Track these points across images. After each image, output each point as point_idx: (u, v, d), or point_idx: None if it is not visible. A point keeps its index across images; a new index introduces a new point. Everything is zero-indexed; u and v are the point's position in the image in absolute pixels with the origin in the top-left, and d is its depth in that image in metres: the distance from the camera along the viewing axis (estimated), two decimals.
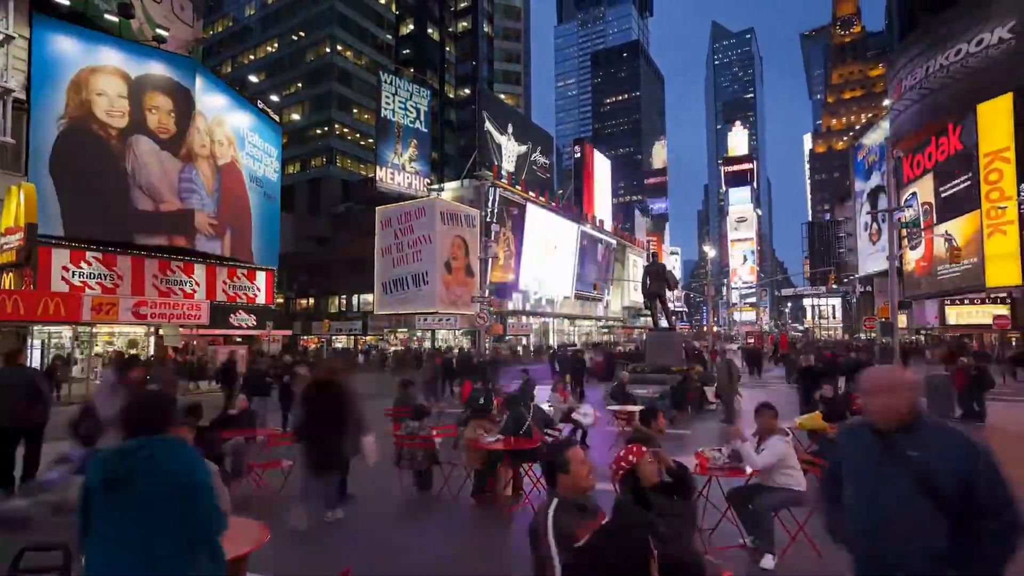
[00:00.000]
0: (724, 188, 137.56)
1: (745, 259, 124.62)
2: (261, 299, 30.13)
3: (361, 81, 59.39)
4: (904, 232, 40.51)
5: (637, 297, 53.61)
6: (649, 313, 17.74)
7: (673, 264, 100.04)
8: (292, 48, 60.67)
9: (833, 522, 2.29)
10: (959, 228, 36.82)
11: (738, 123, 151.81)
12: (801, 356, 15.86)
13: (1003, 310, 33.39)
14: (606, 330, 63.67)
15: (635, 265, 67.80)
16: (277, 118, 33.67)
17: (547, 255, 47.48)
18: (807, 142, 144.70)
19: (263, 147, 30.94)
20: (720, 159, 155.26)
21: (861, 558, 2.14)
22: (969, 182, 35.57)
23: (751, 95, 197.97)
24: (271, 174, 31.81)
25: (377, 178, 40.99)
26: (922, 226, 40.82)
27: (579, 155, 66.32)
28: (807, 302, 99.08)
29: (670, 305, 18.08)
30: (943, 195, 38.88)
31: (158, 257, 24.42)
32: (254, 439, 7.12)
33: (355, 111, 60.10)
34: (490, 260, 33.15)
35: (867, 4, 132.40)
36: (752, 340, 44.63)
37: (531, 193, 46.89)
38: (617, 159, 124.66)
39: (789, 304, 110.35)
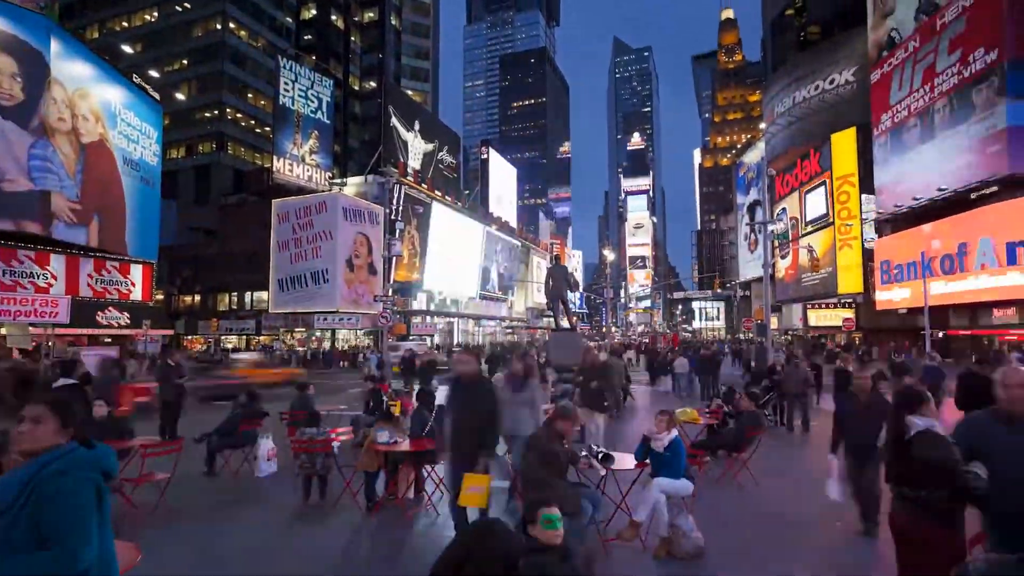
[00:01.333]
0: (623, 196, 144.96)
1: (642, 263, 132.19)
2: (137, 295, 27.30)
3: (256, 64, 55.57)
4: (776, 243, 45.13)
5: (540, 298, 54.94)
6: (552, 314, 18.30)
7: (575, 267, 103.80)
8: (175, 20, 55.30)
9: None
10: (818, 241, 41.71)
11: (636, 134, 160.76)
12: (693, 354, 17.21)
13: (849, 313, 38.30)
14: (510, 330, 64.71)
15: (539, 267, 69.54)
16: (157, 96, 30.61)
17: (452, 255, 47.35)
18: (697, 157, 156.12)
19: (140, 127, 28.01)
20: (620, 168, 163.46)
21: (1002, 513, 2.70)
22: (827, 202, 40.39)
23: (648, 109, 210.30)
24: (150, 157, 28.89)
25: (274, 169, 38.63)
26: (790, 238, 45.72)
27: (485, 156, 66.87)
28: (696, 305, 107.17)
29: (571, 306, 18.79)
30: (807, 211, 43.82)
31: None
32: (127, 451, 6.47)
33: (250, 96, 56.12)
34: (394, 259, 32.46)
35: (747, 35, 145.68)
36: (648, 340, 47.40)
37: (437, 192, 46.54)
38: (523, 162, 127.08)
39: (680, 306, 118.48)
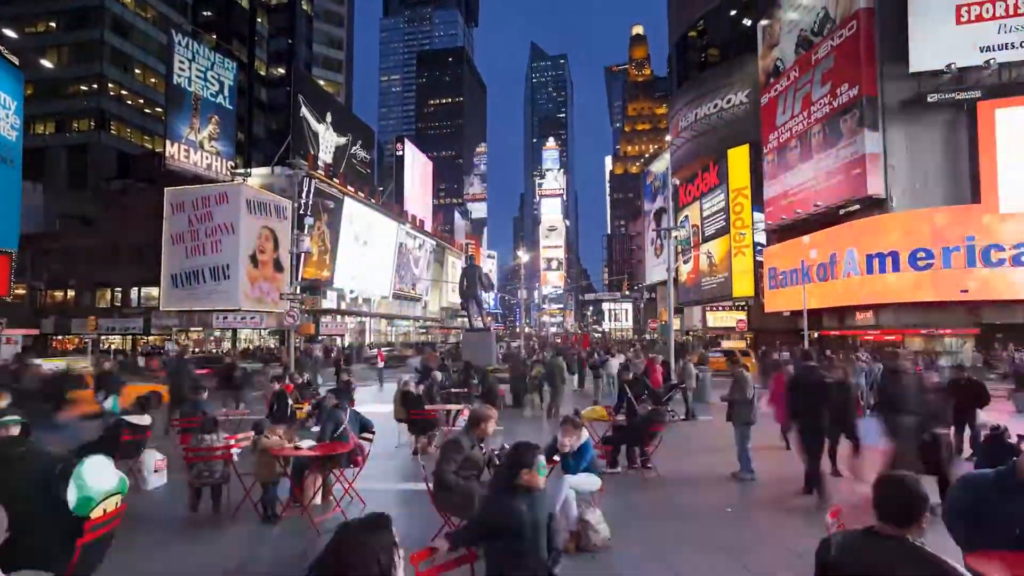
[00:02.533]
0: (538, 198, 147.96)
1: (555, 266, 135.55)
2: None
3: (145, 36, 50.56)
4: (679, 249, 48.08)
5: (455, 298, 54.75)
6: (466, 314, 18.34)
7: (490, 267, 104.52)
8: None
9: None
10: (716, 248, 44.96)
11: (552, 139, 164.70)
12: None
13: (742, 315, 41.67)
14: (424, 330, 63.95)
15: (453, 266, 69.29)
16: (16, 60, 26.85)
17: (365, 253, 46.01)
18: (608, 164, 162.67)
19: None
20: (536, 171, 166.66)
21: None
22: (723, 212, 43.65)
23: (563, 115, 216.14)
24: (7, 131, 25.38)
25: (167, 154, 35.47)
26: (692, 245, 48.91)
27: (401, 153, 65.62)
28: (606, 306, 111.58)
29: (486, 306, 18.93)
30: (706, 220, 47.09)
31: None
32: None
33: (137, 71, 51.00)
34: (303, 255, 30.97)
35: (656, 51, 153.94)
36: (560, 340, 48.83)
37: (350, 187, 44.98)
38: (439, 161, 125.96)
39: (591, 307, 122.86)
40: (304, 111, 44.17)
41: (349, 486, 6.35)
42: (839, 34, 29.82)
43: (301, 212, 36.10)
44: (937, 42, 26.42)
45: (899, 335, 28.65)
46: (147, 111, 50.94)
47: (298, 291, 26.00)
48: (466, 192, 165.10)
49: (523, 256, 74.67)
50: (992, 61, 25.68)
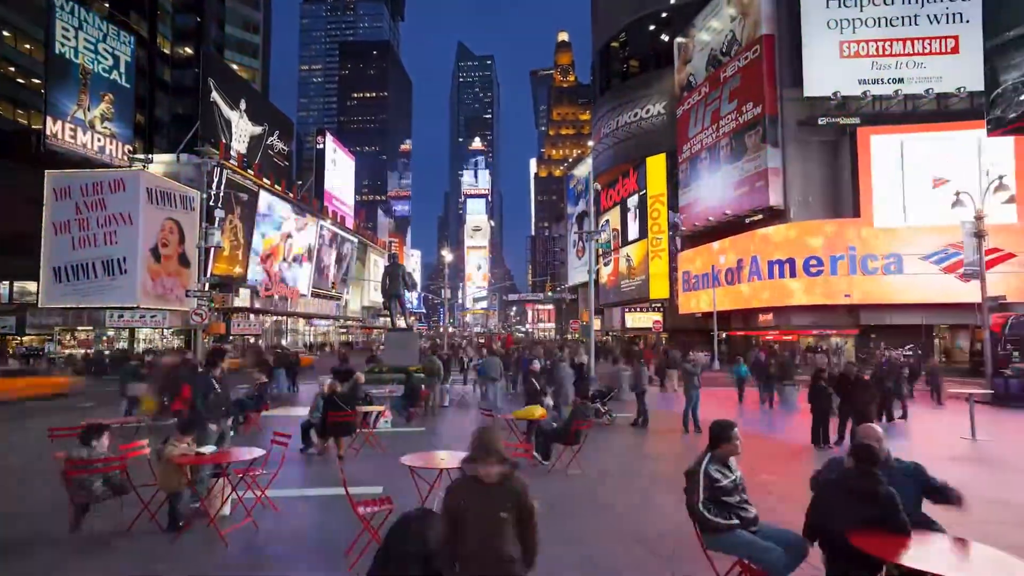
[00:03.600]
0: (463, 198, 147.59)
1: (479, 266, 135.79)
2: None
3: None
4: (600, 251, 49.72)
5: (377, 297, 53.46)
6: (388, 313, 17.96)
7: (413, 266, 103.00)
8: None
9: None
10: (635, 252, 46.94)
11: (477, 139, 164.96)
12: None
13: (659, 316, 43.77)
14: (344, 330, 61.92)
15: (376, 265, 67.64)
16: None
17: (282, 249, 43.86)
18: (533, 166, 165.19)
19: None
20: (461, 170, 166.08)
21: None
22: (642, 217, 45.66)
23: (489, 115, 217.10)
24: None
25: (48, 132, 31.96)
26: (612, 248, 50.72)
27: (322, 146, 63.16)
28: (529, 307, 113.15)
29: (409, 306, 18.65)
30: (625, 224, 49.01)
31: None
32: None
33: (6, 34, 45.25)
34: (212, 250, 29.05)
35: (581, 58, 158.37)
36: (483, 340, 48.80)
37: (266, 180, 42.68)
38: (363, 157, 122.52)
39: (514, 308, 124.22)
40: (215, 96, 41.36)
41: (262, 494, 6.04)
42: (744, 56, 32.12)
43: (211, 204, 33.81)
44: (825, 71, 29.16)
45: (795, 335, 31.29)
46: (20, 81, 45.30)
47: (207, 287, 24.34)
48: (390, 189, 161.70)
49: (447, 255, 74.09)
50: (868, 93, 28.75)
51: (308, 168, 68.36)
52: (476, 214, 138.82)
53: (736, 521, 3.53)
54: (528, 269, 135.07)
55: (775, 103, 30.35)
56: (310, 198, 53.43)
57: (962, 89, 27.22)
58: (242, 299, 39.98)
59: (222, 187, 35.31)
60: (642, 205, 45.40)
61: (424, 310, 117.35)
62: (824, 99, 29.21)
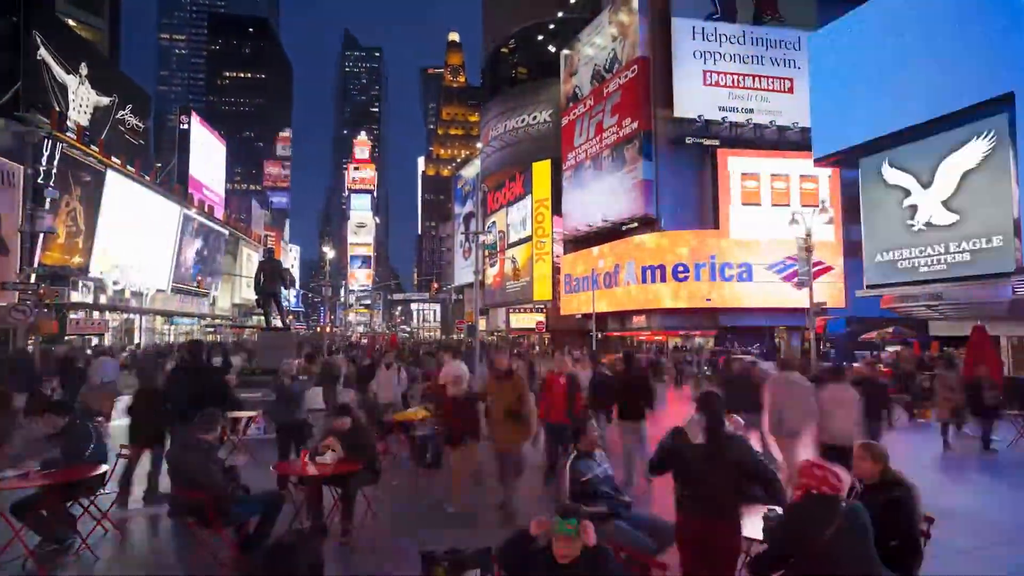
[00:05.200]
0: (347, 192, 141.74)
1: (363, 263, 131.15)
2: None
3: None
4: (486, 253, 50.31)
5: (250, 294, 49.55)
6: (263, 312, 16.72)
7: (292, 262, 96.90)
8: None
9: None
10: (520, 254, 48.16)
11: (364, 132, 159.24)
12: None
13: (541, 317, 45.31)
14: (211, 329, 56.53)
15: (250, 259, 62.65)
16: None
17: (135, 238, 38.98)
18: (421, 164, 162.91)
19: None
20: (345, 163, 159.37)
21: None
22: (527, 220, 46.98)
23: (377, 109, 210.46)
24: None
25: None
26: (498, 249, 51.57)
27: (186, 126, 57.23)
28: (414, 306, 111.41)
29: (286, 304, 17.51)
30: (511, 226, 50.09)
31: None
32: None
33: None
34: (42, 236, 25.12)
35: (471, 59, 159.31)
36: (366, 341, 47.20)
37: (115, 159, 37.60)
38: (236, 142, 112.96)
39: (399, 307, 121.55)
40: (44, 54, 35.31)
41: (103, 516, 5.31)
42: (624, 74, 34.37)
43: (40, 181, 29.05)
44: (692, 96, 32.11)
45: (664, 336, 34.02)
46: None
47: (31, 279, 20.93)
48: (267, 179, 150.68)
49: (329, 252, 70.81)
50: (725, 119, 32.17)
51: (169, 149, 61.54)
52: (361, 210, 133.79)
53: (601, 508, 3.72)
54: (414, 268, 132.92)
55: (650, 120, 32.78)
56: (171, 183, 48.13)
57: (796, 124, 31.35)
58: (83, 294, 34.95)
59: (56, 163, 30.56)
60: (528, 209, 46.73)
61: (303, 308, 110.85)
62: (691, 120, 32.10)
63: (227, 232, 58.33)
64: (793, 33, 32.33)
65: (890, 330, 24.44)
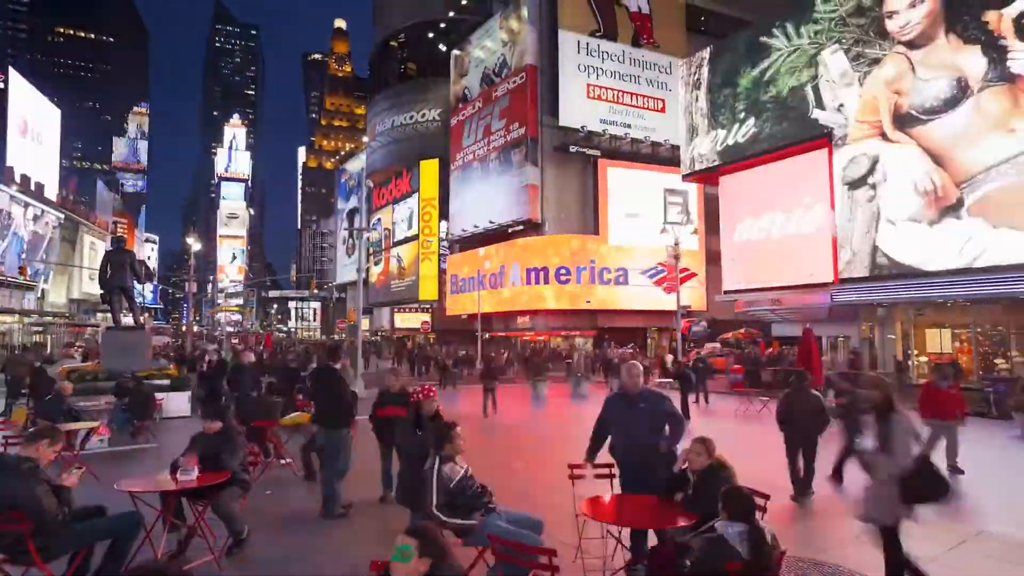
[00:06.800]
0: (217, 180, 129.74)
1: (235, 257, 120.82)
2: None
3: None
4: (371, 250, 48.76)
5: (92, 288, 43.49)
6: (109, 308, 14.77)
7: (148, 254, 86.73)
8: None
9: (594, 449, 4.56)
10: (406, 252, 47.31)
11: (237, 115, 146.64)
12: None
13: (427, 317, 44.88)
14: (40, 328, 48.63)
15: (94, 249, 55.01)
16: None
17: None
18: (302, 154, 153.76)
19: None
20: (215, 148, 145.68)
21: (624, 463, 4.37)
22: (414, 219, 46.29)
23: (253, 92, 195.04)
24: None
25: None
26: (383, 247, 50.23)
27: (3, 85, 48.98)
28: (292, 304, 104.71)
29: (140, 300, 15.59)
30: (397, 224, 49.06)
31: None
32: None
33: None
34: None
35: (359, 49, 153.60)
36: (237, 340, 43.47)
37: None
38: (76, 112, 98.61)
39: (275, 305, 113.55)
40: None
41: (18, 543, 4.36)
42: (513, 80, 35.17)
43: None
44: (576, 106, 33.69)
45: (547, 336, 35.27)
46: None
47: None
48: (117, 159, 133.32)
49: (195, 244, 64.62)
50: (606, 131, 34.20)
51: None
52: (233, 199, 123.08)
53: (473, 522, 3.79)
54: (293, 264, 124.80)
55: (536, 127, 33.85)
56: None
57: (667, 141, 34.18)
58: None
59: None
60: (415, 207, 46.06)
61: (161, 305, 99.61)
62: (575, 130, 33.66)
63: (62, 215, 50.67)
64: (666, 58, 35.22)
65: (742, 331, 27.52)
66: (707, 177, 24.38)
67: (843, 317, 18.84)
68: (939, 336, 17.63)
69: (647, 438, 4.23)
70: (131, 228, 70.36)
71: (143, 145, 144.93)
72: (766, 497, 3.81)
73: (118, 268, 13.83)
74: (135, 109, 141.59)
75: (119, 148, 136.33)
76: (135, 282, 14.31)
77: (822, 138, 18.75)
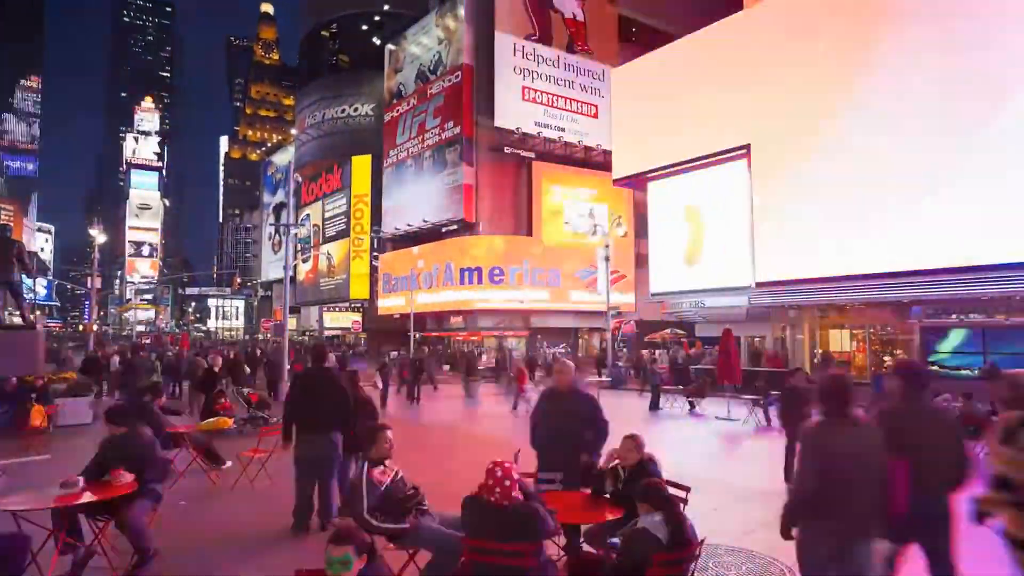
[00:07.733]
0: (127, 167, 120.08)
1: (147, 252, 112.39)
2: None
3: None
4: (299, 247, 46.84)
5: None
6: None
7: (41, 245, 78.92)
8: None
9: (535, 439, 4.61)
10: (336, 250, 45.81)
11: (150, 99, 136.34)
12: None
13: (358, 317, 43.69)
14: None
15: None
16: None
17: None
18: (224, 144, 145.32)
19: None
20: (124, 131, 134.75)
21: (540, 453, 4.52)
22: (345, 215, 44.94)
23: (168, 74, 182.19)
24: None
25: None
26: (312, 244, 48.40)
27: None
28: (212, 303, 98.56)
29: (30, 296, 14.08)
30: (327, 221, 47.45)
31: None
32: None
33: None
34: None
35: (288, 36, 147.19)
36: (151, 340, 40.37)
37: None
38: None
39: (193, 303, 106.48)
40: None
41: None
42: (448, 78, 34.91)
43: None
44: (511, 108, 33.87)
45: (480, 336, 35.23)
46: None
47: None
48: (3, 137, 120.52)
49: (99, 236, 59.66)
50: (541, 133, 34.66)
51: None
52: (144, 188, 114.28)
53: (404, 525, 3.73)
54: (215, 260, 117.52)
55: (471, 126, 33.76)
56: None
57: (599, 145, 35.09)
58: None
59: None
60: (346, 204, 44.72)
61: (58, 302, 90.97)
62: (510, 131, 33.86)
63: None
64: (599, 66, 36.14)
65: (668, 331, 28.69)
66: (637, 182, 25.23)
67: (759, 318, 20.10)
68: (840, 336, 19.16)
69: (565, 432, 4.42)
70: (19, 215, 64.05)
71: (35, 122, 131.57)
72: (687, 489, 3.98)
73: (2, 260, 12.45)
74: (24, 82, 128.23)
75: (6, 124, 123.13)
76: (22, 275, 12.92)
77: (742, 149, 19.87)
